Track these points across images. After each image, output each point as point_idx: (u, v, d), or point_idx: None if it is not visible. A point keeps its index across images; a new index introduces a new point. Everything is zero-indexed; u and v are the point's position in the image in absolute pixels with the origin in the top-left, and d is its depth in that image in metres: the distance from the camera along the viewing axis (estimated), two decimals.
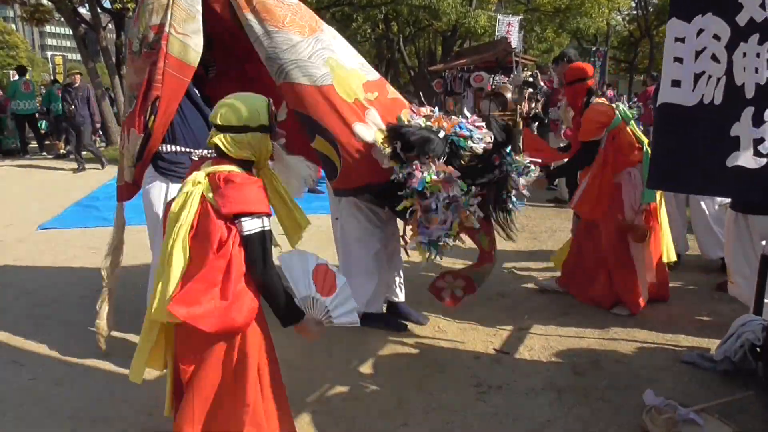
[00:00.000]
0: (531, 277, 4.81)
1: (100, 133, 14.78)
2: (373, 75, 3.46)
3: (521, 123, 8.94)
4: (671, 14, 2.54)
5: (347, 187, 3.37)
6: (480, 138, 3.19)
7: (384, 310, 3.83)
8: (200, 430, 2.17)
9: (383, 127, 3.25)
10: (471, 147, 3.15)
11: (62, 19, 14.38)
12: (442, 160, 3.07)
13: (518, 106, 9.10)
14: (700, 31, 2.46)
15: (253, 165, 2.26)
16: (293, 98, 3.24)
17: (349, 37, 28.82)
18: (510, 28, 12.62)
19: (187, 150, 3.31)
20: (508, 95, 9.23)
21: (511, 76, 9.57)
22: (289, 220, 2.49)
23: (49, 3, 14.80)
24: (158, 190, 3.27)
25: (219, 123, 2.16)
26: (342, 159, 3.21)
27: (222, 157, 2.19)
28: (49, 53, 27.46)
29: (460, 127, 3.21)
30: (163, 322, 2.13)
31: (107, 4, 14.22)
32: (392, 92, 3.54)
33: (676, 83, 2.55)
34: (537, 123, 9.86)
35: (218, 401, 2.18)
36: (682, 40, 2.50)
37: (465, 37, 25.57)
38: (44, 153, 13.68)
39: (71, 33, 14.80)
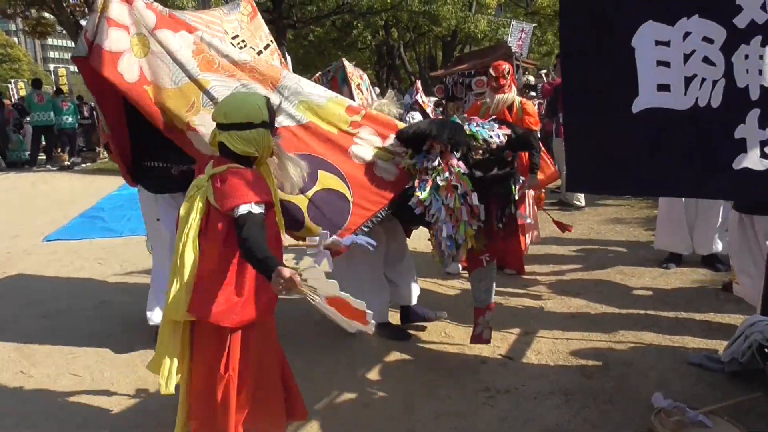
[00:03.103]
0: (536, 281, 4.81)
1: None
2: (352, 102, 3.42)
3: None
4: (642, 17, 2.51)
5: (368, 216, 3.19)
6: (497, 133, 3.19)
7: (388, 319, 3.82)
8: None
9: (379, 141, 3.22)
10: (489, 137, 3.13)
11: (64, 31, 14.47)
12: (458, 153, 3.07)
13: None
14: (687, 33, 2.45)
15: (255, 162, 2.31)
16: (285, 142, 3.12)
17: (349, 44, 29.03)
18: (523, 35, 12.61)
19: (167, 165, 3.51)
20: None
21: None
22: None
23: (51, 16, 14.90)
24: (149, 203, 3.61)
25: (224, 122, 2.22)
26: (351, 187, 3.15)
27: (224, 156, 2.25)
28: (51, 66, 27.57)
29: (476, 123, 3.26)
30: (177, 320, 2.21)
31: None
32: (379, 114, 3.46)
33: (663, 87, 2.52)
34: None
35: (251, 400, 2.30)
36: (666, 43, 2.48)
37: (465, 42, 25.64)
38: (48, 165, 13.74)
39: (73, 45, 14.87)
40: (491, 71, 4.94)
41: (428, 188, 3.03)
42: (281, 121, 3.10)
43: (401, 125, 3.33)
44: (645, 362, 3.35)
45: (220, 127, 2.24)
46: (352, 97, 4.17)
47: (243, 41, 3.73)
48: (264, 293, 2.23)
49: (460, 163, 3.07)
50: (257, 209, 2.13)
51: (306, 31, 25.18)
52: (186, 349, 2.30)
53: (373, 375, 3.34)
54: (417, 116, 12.43)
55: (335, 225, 3.09)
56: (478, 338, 3.39)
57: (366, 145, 3.20)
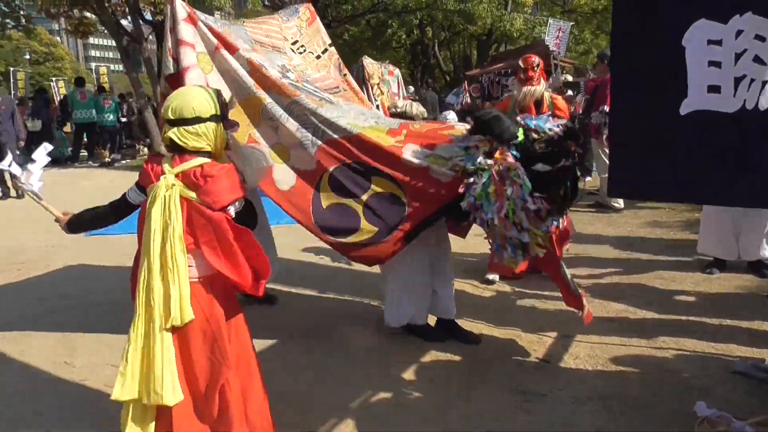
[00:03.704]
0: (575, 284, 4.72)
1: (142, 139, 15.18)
2: (394, 123, 3.38)
3: None
4: (695, 15, 2.42)
5: (425, 216, 3.18)
6: (554, 124, 3.08)
7: (427, 321, 3.76)
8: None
9: (426, 153, 3.15)
10: (548, 128, 3.00)
11: (105, 31, 14.81)
12: (511, 150, 2.96)
13: None
14: (740, 32, 2.36)
15: (211, 156, 2.26)
16: (337, 152, 3.21)
17: (384, 43, 28.98)
18: (560, 33, 12.45)
19: None
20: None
21: (550, 79, 9.45)
22: None
23: (93, 16, 15.26)
24: None
25: (171, 117, 2.18)
26: (406, 190, 3.14)
27: (175, 151, 2.21)
28: (93, 64, 28.29)
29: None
30: (180, 324, 2.14)
31: (149, 17, 14.58)
32: (420, 126, 3.42)
33: (714, 89, 2.43)
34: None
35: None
36: (718, 42, 2.39)
37: (501, 41, 25.39)
38: (90, 161, 14.08)
39: (114, 44, 15.22)
40: (520, 63, 4.87)
41: (478, 190, 2.92)
42: (333, 132, 3.17)
43: (449, 131, 3.27)
44: (687, 370, 3.26)
45: (170, 122, 2.19)
46: (369, 98, 4.19)
47: (302, 46, 3.82)
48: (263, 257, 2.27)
49: (518, 164, 2.89)
50: (241, 202, 2.24)
51: (341, 30, 25.28)
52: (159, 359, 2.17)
53: (408, 375, 3.32)
54: (451, 116, 12.40)
55: (390, 226, 3.14)
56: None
57: (417, 156, 3.16)
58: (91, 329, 4.04)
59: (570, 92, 10.32)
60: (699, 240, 4.90)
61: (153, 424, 2.19)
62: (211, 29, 3.24)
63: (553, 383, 3.19)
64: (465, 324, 3.88)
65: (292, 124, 3.21)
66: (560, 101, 4.90)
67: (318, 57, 3.90)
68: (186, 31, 3.18)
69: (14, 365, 3.58)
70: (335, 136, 3.19)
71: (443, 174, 3.10)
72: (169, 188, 2.14)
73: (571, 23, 16.27)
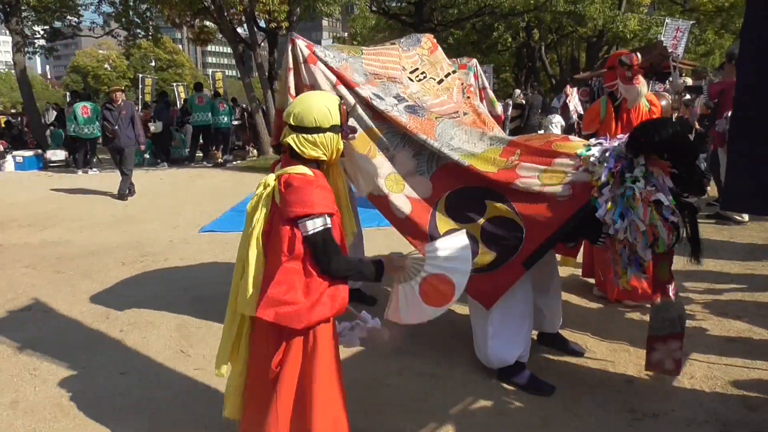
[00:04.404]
0: (689, 299, 4.43)
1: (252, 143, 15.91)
2: (503, 141, 3.22)
3: None
4: None
5: (542, 240, 3.02)
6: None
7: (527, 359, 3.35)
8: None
9: (541, 169, 3.01)
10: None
11: (223, 38, 15.69)
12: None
13: (674, 113, 8.46)
14: None
15: (324, 164, 2.27)
16: (452, 177, 3.16)
17: (489, 46, 28.71)
18: (678, 33, 11.75)
19: None
20: (664, 103, 8.61)
21: (667, 81, 8.94)
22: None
23: (213, 25, 16.21)
24: None
25: (293, 123, 2.19)
26: (522, 215, 3.00)
27: (293, 157, 2.22)
28: (209, 70, 30.02)
29: None
30: (245, 314, 2.24)
31: (263, 24, 15.29)
32: (535, 141, 3.24)
33: None
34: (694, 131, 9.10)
35: (301, 402, 2.22)
36: None
37: (612, 43, 24.40)
38: (204, 162, 14.95)
39: (229, 51, 16.11)
40: (624, 59, 4.48)
41: (615, 198, 2.77)
42: (450, 156, 3.12)
43: (565, 144, 3.11)
44: None
45: (291, 127, 2.20)
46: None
47: (423, 73, 3.84)
48: (331, 296, 2.16)
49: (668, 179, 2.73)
50: (321, 223, 2.10)
51: (445, 34, 25.29)
52: (244, 343, 2.33)
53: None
54: (556, 119, 12.02)
55: (508, 252, 3.03)
56: (654, 366, 3.00)
57: (529, 177, 3.01)
58: (207, 320, 4.28)
59: (688, 96, 9.70)
60: None
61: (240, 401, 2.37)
62: (329, 67, 3.26)
63: (666, 403, 3.00)
64: (569, 335, 3.75)
65: (408, 152, 3.20)
66: (654, 98, 4.58)
67: (440, 81, 3.89)
68: (307, 72, 3.23)
69: (137, 352, 3.85)
70: (449, 161, 3.14)
71: (558, 194, 2.94)
72: (266, 187, 2.22)
73: (692, 22, 15.34)
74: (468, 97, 3.98)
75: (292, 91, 3.26)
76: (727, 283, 4.76)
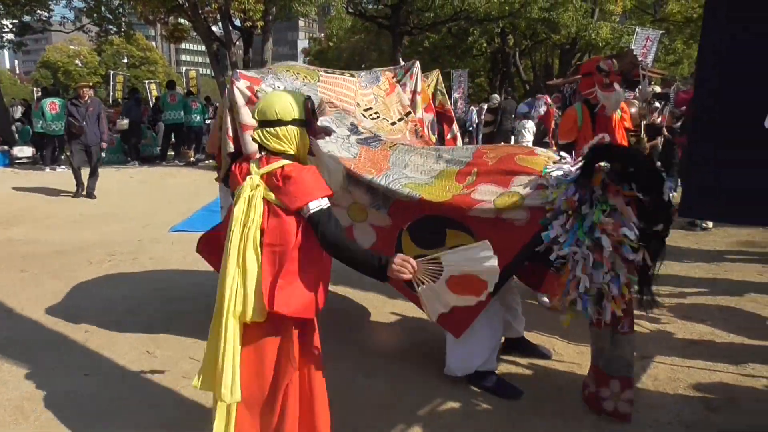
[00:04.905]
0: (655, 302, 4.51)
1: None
2: (464, 159, 3.13)
3: (645, 138, 8.46)
4: None
5: (504, 265, 2.77)
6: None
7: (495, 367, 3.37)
8: None
9: (500, 189, 2.91)
10: None
11: (197, 36, 15.53)
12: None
13: (643, 121, 8.62)
14: None
15: (294, 159, 2.27)
16: (407, 211, 3.10)
17: (464, 51, 28.91)
18: (648, 42, 11.96)
19: None
20: (633, 110, 8.76)
21: (637, 90, 9.09)
22: None
23: (187, 22, 16.04)
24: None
25: (256, 118, 2.25)
26: (479, 239, 2.84)
27: (269, 154, 2.25)
28: (183, 68, 29.67)
29: None
30: (247, 322, 2.17)
31: (238, 23, 15.18)
32: (496, 154, 3.13)
33: None
34: (662, 140, 9.29)
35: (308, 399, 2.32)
36: None
37: (585, 50, 24.79)
38: (176, 160, 14.75)
39: (204, 49, 15.94)
40: (602, 66, 4.50)
41: (567, 224, 2.67)
42: (398, 193, 3.02)
43: (530, 159, 3.02)
44: None
45: (258, 123, 2.27)
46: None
47: (376, 113, 3.84)
48: (324, 285, 2.27)
49: (629, 209, 2.59)
50: (326, 203, 2.19)
51: (421, 37, 25.41)
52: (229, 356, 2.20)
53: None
54: (529, 124, 12.10)
55: None
56: (607, 411, 2.90)
57: (485, 203, 2.91)
58: (176, 321, 4.23)
59: (657, 104, 9.89)
60: None
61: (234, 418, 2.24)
62: None
63: None
64: (537, 339, 3.79)
65: (361, 186, 3.14)
66: (624, 105, 4.65)
67: (393, 123, 3.86)
68: (248, 115, 3.08)
69: (103, 353, 3.77)
70: (399, 198, 3.07)
71: (515, 219, 2.91)
72: (253, 188, 2.20)
73: (661, 32, 15.65)
74: (421, 137, 3.96)
75: (230, 132, 3.18)
76: (691, 287, 4.86)
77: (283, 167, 2.19)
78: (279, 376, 2.24)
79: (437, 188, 3.03)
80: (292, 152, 2.25)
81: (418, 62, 4.49)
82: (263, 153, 2.29)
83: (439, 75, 4.85)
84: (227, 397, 2.13)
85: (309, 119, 2.28)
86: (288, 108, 2.22)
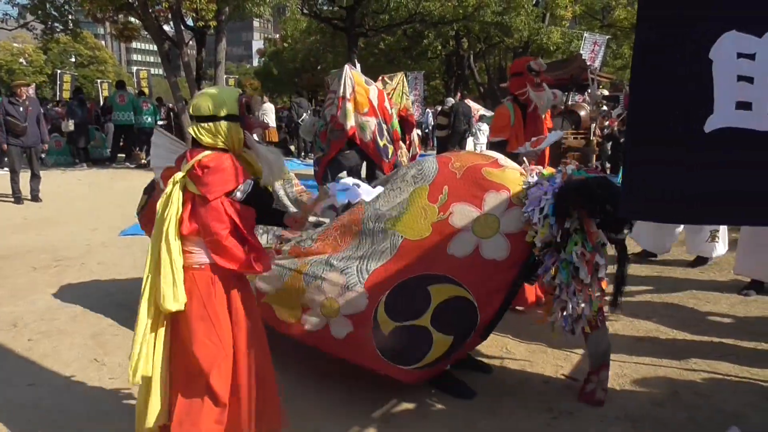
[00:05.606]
0: (603, 301, 4.63)
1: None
2: (430, 174, 3.17)
3: (595, 142, 8.71)
4: (725, 27, 2.32)
5: (496, 307, 3.03)
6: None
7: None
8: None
9: (476, 211, 2.99)
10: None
11: (148, 35, 15.17)
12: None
13: (593, 125, 8.87)
14: None
15: (227, 153, 2.33)
16: (385, 277, 3.04)
17: (419, 53, 29.07)
18: (596, 47, 12.32)
19: None
20: (582, 113, 9.02)
21: (586, 93, 9.35)
22: None
23: (137, 21, 15.64)
24: None
25: (191, 113, 2.31)
26: (467, 287, 2.93)
27: (197, 147, 2.32)
28: (134, 68, 28.97)
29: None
30: (171, 310, 2.25)
31: (190, 22, 14.89)
32: (461, 164, 3.17)
33: (743, 105, 2.32)
34: (611, 143, 9.57)
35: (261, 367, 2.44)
36: (751, 56, 2.28)
37: (537, 54, 25.25)
38: (127, 163, 14.39)
39: (155, 49, 15.58)
40: (533, 66, 4.61)
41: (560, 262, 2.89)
42: (378, 262, 3.06)
43: (497, 172, 3.07)
44: (720, 394, 3.17)
45: (191, 118, 2.32)
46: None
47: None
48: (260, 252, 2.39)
49: (600, 232, 2.84)
50: (248, 185, 2.30)
51: (377, 39, 25.45)
52: (160, 343, 2.34)
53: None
54: (484, 127, 12.17)
55: (465, 331, 2.98)
56: (588, 396, 3.10)
57: (463, 231, 2.96)
58: (126, 327, 4.13)
59: (605, 108, 10.19)
60: (736, 261, 4.78)
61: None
62: None
63: (580, 401, 3.12)
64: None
65: (334, 274, 3.11)
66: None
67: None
68: None
69: (47, 362, 3.66)
70: (378, 264, 3.06)
71: (497, 248, 2.94)
72: (175, 183, 2.27)
73: (608, 37, 16.09)
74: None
75: None
76: (637, 285, 5.01)
77: (202, 158, 2.24)
78: (207, 359, 2.29)
79: (414, 216, 3.06)
80: (224, 146, 2.31)
81: (346, 66, 4.49)
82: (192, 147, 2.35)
83: (404, 77, 4.86)
84: (137, 379, 2.31)
85: (242, 114, 2.34)
86: (221, 103, 2.28)
